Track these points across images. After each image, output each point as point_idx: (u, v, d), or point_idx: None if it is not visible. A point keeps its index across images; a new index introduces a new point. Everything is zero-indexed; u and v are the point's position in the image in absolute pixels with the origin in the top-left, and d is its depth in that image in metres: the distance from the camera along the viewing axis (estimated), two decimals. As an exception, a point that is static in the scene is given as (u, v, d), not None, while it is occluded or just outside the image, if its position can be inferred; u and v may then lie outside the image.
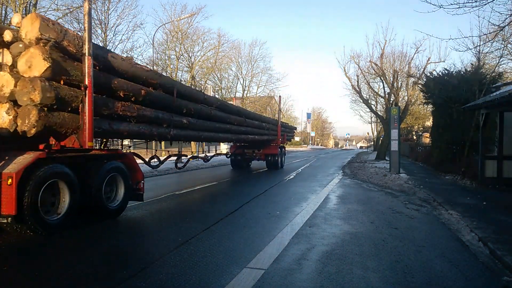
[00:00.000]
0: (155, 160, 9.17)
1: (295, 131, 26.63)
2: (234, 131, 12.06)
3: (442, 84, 15.39)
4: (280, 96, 23.43)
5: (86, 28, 5.46)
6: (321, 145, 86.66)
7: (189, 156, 11.36)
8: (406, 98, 27.32)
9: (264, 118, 17.09)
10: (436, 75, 17.14)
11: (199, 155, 12.34)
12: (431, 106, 19.21)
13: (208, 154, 14.80)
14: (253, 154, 16.73)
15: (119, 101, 6.38)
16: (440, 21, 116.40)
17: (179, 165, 10.54)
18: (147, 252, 4.54)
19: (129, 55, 25.37)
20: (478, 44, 14.97)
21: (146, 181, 12.33)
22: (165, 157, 9.87)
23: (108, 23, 25.58)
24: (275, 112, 58.10)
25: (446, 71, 16.38)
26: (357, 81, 26.98)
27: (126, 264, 4.10)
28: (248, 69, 44.28)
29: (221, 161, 19.10)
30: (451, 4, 7.62)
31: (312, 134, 79.12)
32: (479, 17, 29.64)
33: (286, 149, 21.39)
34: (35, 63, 4.82)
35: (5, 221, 4.58)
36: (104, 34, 25.42)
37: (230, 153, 16.42)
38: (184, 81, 32.70)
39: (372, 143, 62.35)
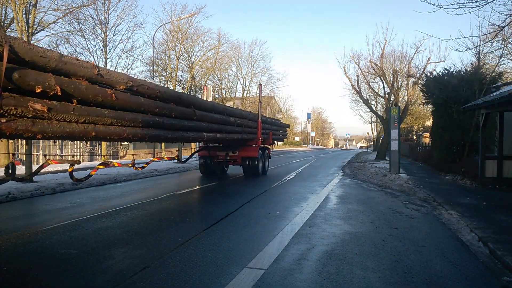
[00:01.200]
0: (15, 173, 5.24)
1: (287, 129, 22.66)
2: (170, 127, 8.07)
3: (442, 84, 15.37)
4: (260, 85, 19.01)
5: None
6: (321, 145, 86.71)
7: (97, 164, 7.89)
8: (406, 98, 27.33)
9: (233, 111, 12.67)
10: (436, 75, 17.11)
11: (113, 161, 8.54)
12: (431, 106, 19.17)
13: (137, 161, 9.75)
14: (226, 157, 13.64)
15: None
16: (440, 21, 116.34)
17: (78, 176, 6.97)
18: (147, 252, 4.54)
19: (129, 55, 24.93)
20: (478, 44, 15.03)
21: (145, 181, 12.54)
22: (39, 166, 6.02)
23: (108, 23, 25.73)
24: (275, 111, 58.22)
25: (446, 71, 16.36)
26: (357, 81, 27.01)
27: (126, 264, 4.10)
28: (248, 69, 44.46)
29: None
30: (451, 4, 7.64)
31: (312, 134, 79.21)
32: (479, 17, 29.75)
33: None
34: None
35: None
36: (104, 34, 25.53)
37: (177, 158, 11.99)
38: (184, 81, 32.74)
39: (372, 143, 62.36)
